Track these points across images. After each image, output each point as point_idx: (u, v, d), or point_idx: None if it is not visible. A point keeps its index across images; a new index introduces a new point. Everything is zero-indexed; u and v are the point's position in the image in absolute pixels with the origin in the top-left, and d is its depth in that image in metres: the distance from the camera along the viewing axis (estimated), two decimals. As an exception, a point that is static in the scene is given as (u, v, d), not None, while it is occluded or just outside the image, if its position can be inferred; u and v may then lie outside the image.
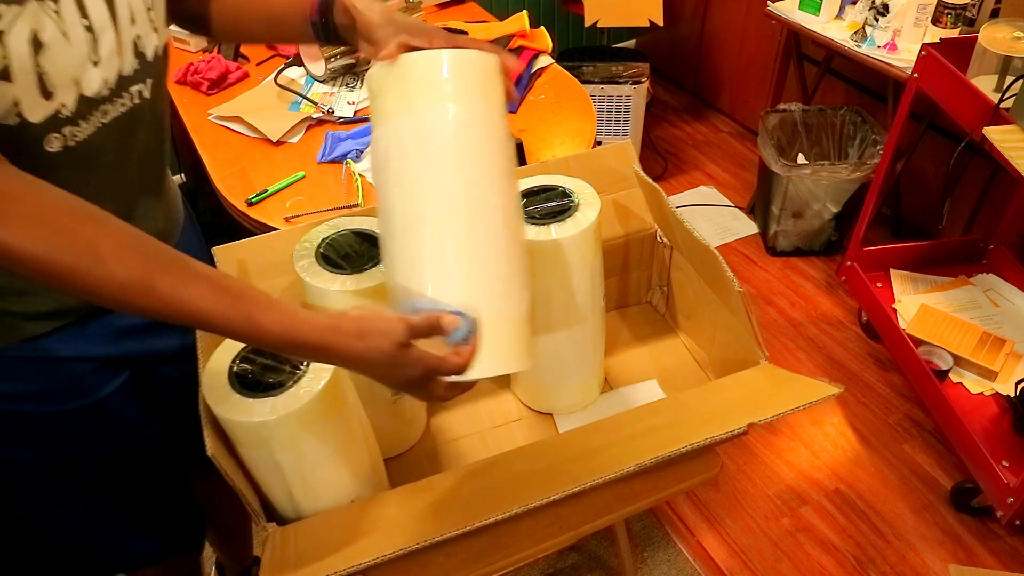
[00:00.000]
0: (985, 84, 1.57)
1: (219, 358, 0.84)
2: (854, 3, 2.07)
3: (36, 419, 0.93)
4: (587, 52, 2.58)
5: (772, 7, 2.21)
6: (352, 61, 1.82)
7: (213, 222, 2.39)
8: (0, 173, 0.63)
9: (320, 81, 1.80)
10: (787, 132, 2.43)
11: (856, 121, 2.35)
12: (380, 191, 0.79)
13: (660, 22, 2.42)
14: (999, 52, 1.54)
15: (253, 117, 1.66)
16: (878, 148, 2.21)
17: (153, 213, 0.97)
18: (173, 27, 1.80)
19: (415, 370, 0.70)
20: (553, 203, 1.05)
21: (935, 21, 1.92)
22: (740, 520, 1.77)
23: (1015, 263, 2.06)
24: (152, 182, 0.99)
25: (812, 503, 1.80)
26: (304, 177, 1.53)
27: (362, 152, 1.56)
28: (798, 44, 2.42)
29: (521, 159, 1.46)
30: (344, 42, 0.90)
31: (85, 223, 0.63)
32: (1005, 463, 1.60)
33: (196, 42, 1.94)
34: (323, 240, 0.99)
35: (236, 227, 1.49)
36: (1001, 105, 1.47)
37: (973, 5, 1.86)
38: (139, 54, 0.83)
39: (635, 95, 2.52)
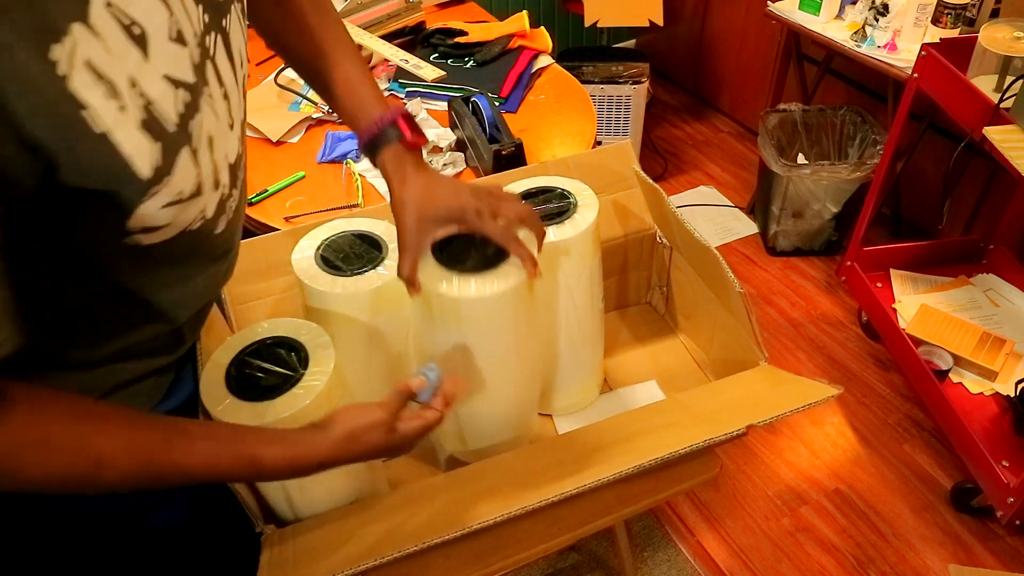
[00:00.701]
0: (985, 84, 1.57)
1: (217, 361, 0.84)
2: (854, 3, 2.06)
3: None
4: (587, 52, 2.58)
5: (772, 7, 2.21)
6: (352, 61, 1.81)
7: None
8: (5, 422, 0.57)
9: (320, 81, 1.80)
10: (787, 132, 2.43)
11: (856, 121, 2.35)
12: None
13: (660, 22, 2.42)
14: (999, 52, 1.54)
15: (253, 117, 1.66)
16: (878, 148, 2.21)
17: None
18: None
19: (407, 444, 0.78)
20: (552, 205, 1.05)
21: (935, 21, 1.91)
22: (740, 520, 1.77)
23: (1015, 263, 2.06)
24: None
25: (812, 503, 1.80)
26: (304, 177, 1.53)
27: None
28: (798, 44, 2.42)
29: (521, 159, 1.46)
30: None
31: (88, 436, 0.61)
32: (1005, 463, 1.60)
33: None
34: (323, 242, 0.99)
35: (236, 227, 1.49)
36: (1001, 105, 1.47)
37: (973, 5, 1.86)
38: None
39: (635, 95, 2.52)
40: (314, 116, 1.68)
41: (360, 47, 0.94)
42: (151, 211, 0.60)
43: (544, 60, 1.87)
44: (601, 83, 2.49)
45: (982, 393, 1.79)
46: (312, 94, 1.75)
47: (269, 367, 0.83)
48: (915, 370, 1.84)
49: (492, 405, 0.98)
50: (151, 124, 0.57)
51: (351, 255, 0.97)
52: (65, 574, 0.85)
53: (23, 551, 0.81)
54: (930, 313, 1.94)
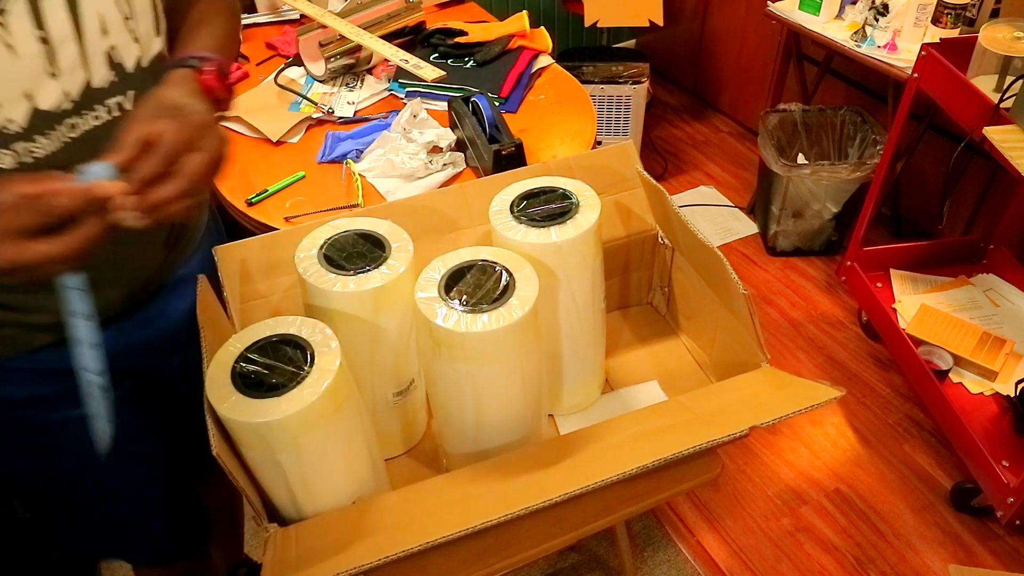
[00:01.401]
0: (985, 84, 1.57)
1: (223, 358, 0.84)
2: (854, 3, 2.07)
3: (38, 426, 0.93)
4: (587, 52, 2.58)
5: (772, 7, 2.21)
6: (352, 61, 1.82)
7: (213, 222, 2.39)
8: None
9: (320, 81, 1.80)
10: (787, 132, 2.43)
11: (856, 121, 2.35)
12: None
13: (660, 22, 2.42)
14: (999, 52, 1.54)
15: (253, 117, 1.66)
16: (878, 148, 2.21)
17: (148, 234, 0.95)
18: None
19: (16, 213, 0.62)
20: (553, 205, 1.05)
21: (935, 21, 1.92)
22: (740, 520, 1.77)
23: (1015, 263, 2.06)
24: None
25: (812, 503, 1.80)
26: (304, 177, 1.53)
27: (362, 152, 1.56)
28: (798, 44, 2.42)
29: (521, 159, 1.46)
30: None
31: None
32: (1005, 463, 1.60)
33: (196, 42, 1.94)
34: (325, 240, 0.99)
35: (236, 227, 1.49)
36: (1001, 105, 1.47)
37: (973, 5, 1.86)
38: (115, 65, 0.80)
39: (635, 95, 2.52)
40: (314, 116, 1.68)
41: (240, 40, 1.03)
42: None
43: (544, 60, 1.87)
44: (601, 83, 2.50)
45: (982, 393, 1.79)
46: (312, 94, 1.75)
47: (274, 364, 0.83)
48: (915, 370, 1.84)
49: (498, 427, 0.98)
50: None
51: (354, 254, 0.97)
52: None
53: None
54: (930, 313, 1.94)
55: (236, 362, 0.84)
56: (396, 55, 1.72)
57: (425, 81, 1.70)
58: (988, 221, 2.11)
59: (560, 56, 2.45)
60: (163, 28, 0.87)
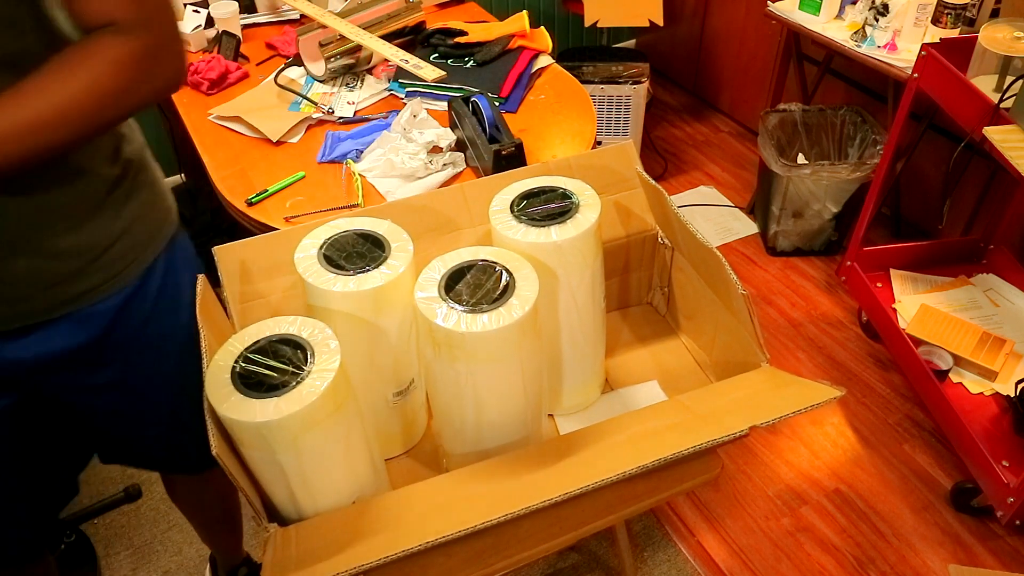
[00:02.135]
0: (985, 84, 1.57)
1: (222, 357, 0.84)
2: (854, 3, 2.07)
3: None
4: (587, 52, 2.58)
5: (772, 7, 2.21)
6: (352, 61, 1.82)
7: (213, 222, 2.39)
8: None
9: (320, 81, 1.80)
10: (787, 132, 2.43)
11: (856, 121, 2.35)
12: None
13: (660, 22, 2.42)
14: (999, 52, 1.54)
15: (253, 117, 1.66)
16: (878, 148, 2.21)
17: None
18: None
19: None
20: (553, 205, 1.05)
21: (935, 21, 1.92)
22: (740, 520, 1.77)
23: (1015, 263, 2.06)
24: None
25: (812, 503, 1.80)
26: (304, 177, 1.53)
27: (362, 152, 1.56)
28: (798, 44, 2.42)
29: (521, 159, 1.46)
30: None
31: None
32: (1005, 463, 1.60)
33: (196, 42, 1.94)
34: (325, 240, 0.99)
35: (236, 227, 1.49)
36: (1001, 105, 1.47)
37: (973, 5, 1.86)
38: None
39: (635, 95, 2.52)
40: (314, 116, 1.68)
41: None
42: None
43: (544, 60, 1.87)
44: (601, 83, 2.50)
45: (982, 393, 1.79)
46: (312, 94, 1.75)
47: (274, 364, 0.83)
48: (915, 370, 1.84)
49: (498, 427, 0.99)
50: None
51: (353, 254, 0.97)
52: None
53: None
54: (930, 313, 1.94)
55: (236, 362, 0.84)
56: (396, 55, 1.72)
57: (425, 81, 1.70)
58: (988, 221, 2.11)
59: (560, 56, 2.45)
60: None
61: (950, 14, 1.88)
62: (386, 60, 1.79)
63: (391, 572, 0.82)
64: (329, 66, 1.78)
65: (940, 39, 1.74)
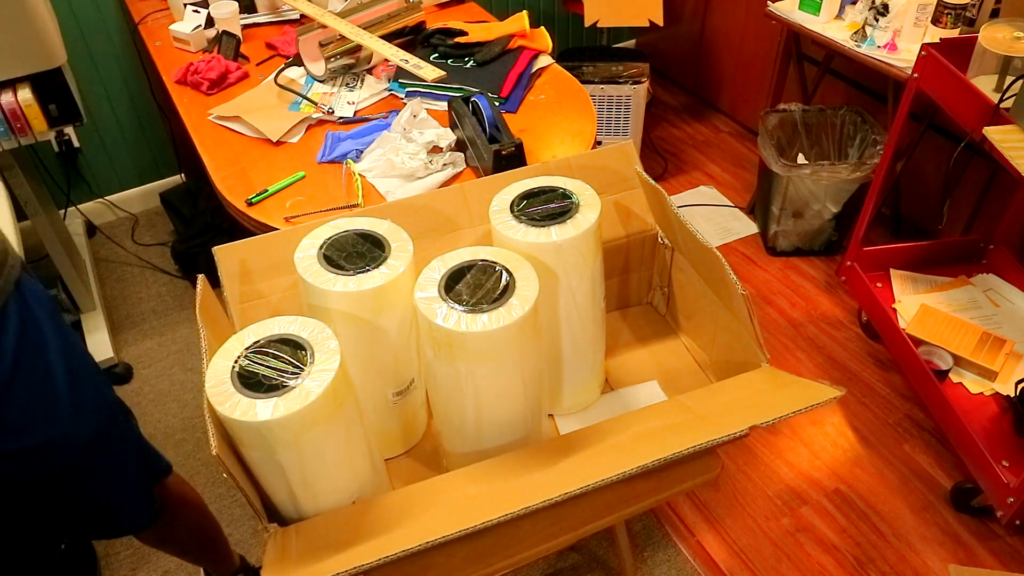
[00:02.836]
0: (985, 84, 1.57)
1: (223, 358, 0.84)
2: (854, 3, 2.07)
3: None
4: (587, 52, 2.58)
5: (772, 7, 2.21)
6: (352, 61, 1.82)
7: (213, 222, 2.39)
8: None
9: (320, 81, 1.80)
10: (787, 132, 2.43)
11: (856, 121, 2.35)
12: None
13: (660, 22, 2.42)
14: (999, 52, 1.54)
15: (253, 117, 1.66)
16: (878, 148, 2.21)
17: None
18: (173, 27, 1.81)
19: None
20: (553, 205, 1.05)
21: (935, 21, 1.92)
22: (740, 520, 1.77)
23: (1015, 263, 2.06)
24: None
25: (812, 503, 1.80)
26: (304, 177, 1.53)
27: (362, 152, 1.56)
28: (798, 44, 2.42)
29: (521, 159, 1.46)
30: None
31: None
32: (1005, 463, 1.60)
33: (196, 42, 1.94)
34: (325, 240, 0.99)
35: (236, 227, 1.49)
36: (1001, 105, 1.47)
37: (973, 5, 1.86)
38: None
39: (635, 95, 2.52)
40: (314, 116, 1.68)
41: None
42: None
43: (544, 60, 1.87)
44: (601, 83, 2.49)
45: (982, 393, 1.79)
46: (312, 94, 1.75)
47: (274, 364, 0.83)
48: (915, 370, 1.84)
49: (498, 427, 0.99)
50: None
51: (353, 254, 0.97)
52: None
53: None
54: (930, 313, 1.94)
55: (236, 362, 0.84)
56: (396, 55, 1.72)
57: (425, 81, 1.70)
58: (988, 221, 2.11)
59: (560, 56, 2.45)
60: None
61: (950, 14, 1.88)
62: (386, 60, 1.79)
63: (391, 572, 0.82)
64: (329, 66, 1.78)
65: (940, 39, 1.74)
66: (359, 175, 1.51)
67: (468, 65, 1.84)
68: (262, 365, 0.83)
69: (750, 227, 2.60)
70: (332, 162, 1.57)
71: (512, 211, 1.04)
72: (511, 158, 1.43)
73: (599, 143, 2.49)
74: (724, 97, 3.10)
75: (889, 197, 2.45)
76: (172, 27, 1.96)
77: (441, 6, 2.15)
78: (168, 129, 2.59)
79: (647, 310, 1.36)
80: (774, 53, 2.69)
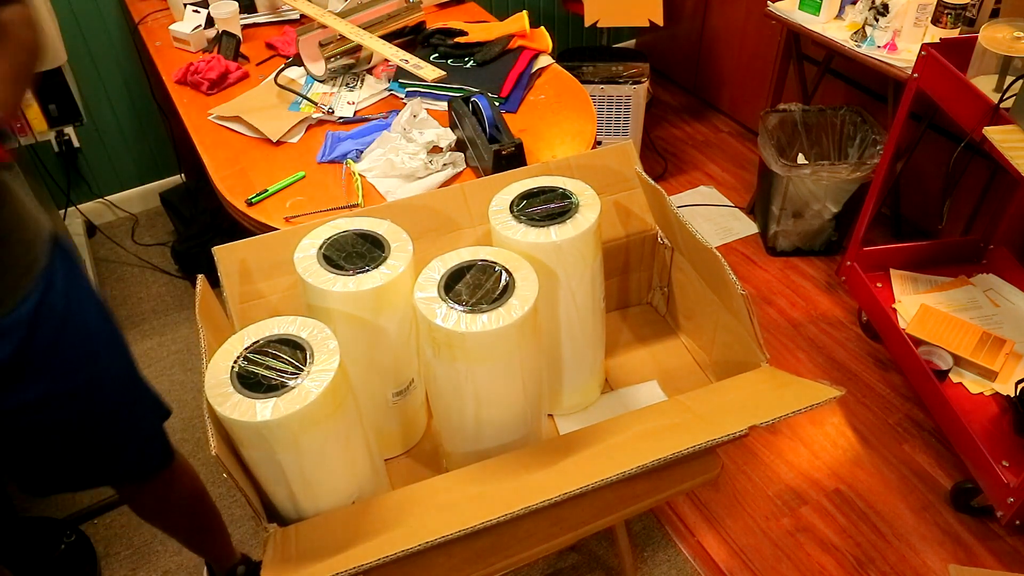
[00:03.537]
0: (985, 84, 1.57)
1: (222, 358, 0.84)
2: (854, 3, 2.07)
3: None
4: (587, 52, 2.58)
5: (772, 7, 2.21)
6: (352, 61, 1.82)
7: (213, 222, 2.39)
8: None
9: (320, 81, 1.80)
10: (787, 132, 2.43)
11: (856, 121, 2.35)
12: None
13: (660, 22, 2.42)
14: (999, 52, 1.54)
15: (253, 117, 1.66)
16: (878, 148, 2.21)
17: None
18: (173, 27, 1.81)
19: None
20: (553, 205, 1.05)
21: (935, 21, 1.92)
22: (740, 520, 1.77)
23: (1015, 263, 2.06)
24: None
25: (812, 503, 1.80)
26: (304, 177, 1.53)
27: (362, 152, 1.56)
28: (798, 44, 2.42)
29: (521, 159, 1.46)
30: None
31: None
32: (1005, 463, 1.60)
33: (196, 42, 1.94)
34: (325, 240, 0.99)
35: (236, 227, 1.49)
36: (1001, 105, 1.47)
37: (973, 5, 1.86)
38: None
39: (635, 95, 2.52)
40: (314, 116, 1.68)
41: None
42: None
43: (544, 60, 1.87)
44: (601, 83, 2.49)
45: (982, 393, 1.79)
46: (312, 94, 1.75)
47: (274, 364, 0.83)
48: (915, 370, 1.84)
49: (498, 427, 0.99)
50: None
51: (353, 254, 0.97)
52: None
53: None
54: (930, 313, 1.94)
55: (236, 362, 0.84)
56: (396, 55, 1.72)
57: (425, 81, 1.70)
58: (988, 221, 2.11)
59: (560, 56, 2.45)
60: None
61: (950, 14, 1.88)
62: (386, 60, 1.79)
63: (391, 572, 0.82)
64: (329, 66, 1.78)
65: (940, 39, 1.74)
66: (359, 175, 1.51)
67: (468, 65, 1.84)
68: (262, 365, 0.83)
69: (750, 227, 2.60)
70: (332, 162, 1.57)
71: (512, 211, 1.04)
72: (511, 158, 1.43)
73: (599, 143, 2.49)
74: (724, 97, 3.10)
75: (889, 197, 2.45)
76: (172, 27, 1.96)
77: (441, 6, 2.15)
78: (168, 129, 2.59)
79: (647, 310, 1.36)
80: (774, 53, 2.69)
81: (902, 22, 1.95)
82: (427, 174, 1.48)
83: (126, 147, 2.59)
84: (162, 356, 2.18)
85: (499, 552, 0.94)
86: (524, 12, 1.98)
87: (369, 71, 1.85)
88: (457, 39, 1.90)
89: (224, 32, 1.91)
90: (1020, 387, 1.72)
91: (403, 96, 1.75)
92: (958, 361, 1.84)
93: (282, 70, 1.81)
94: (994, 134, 1.44)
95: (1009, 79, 1.51)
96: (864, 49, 1.99)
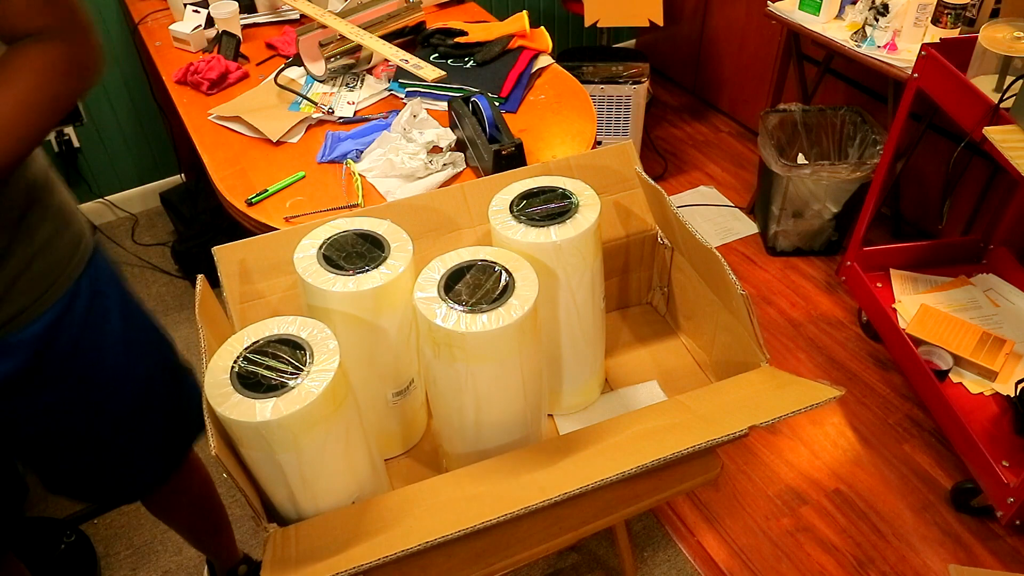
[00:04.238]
0: (985, 84, 1.57)
1: (222, 358, 0.84)
2: (854, 3, 2.07)
3: None
4: (587, 52, 2.58)
5: (772, 7, 2.21)
6: (352, 61, 1.82)
7: (213, 222, 2.40)
8: None
9: (320, 81, 1.80)
10: (787, 132, 2.43)
11: (856, 121, 2.35)
12: None
13: (660, 22, 2.42)
14: (999, 52, 1.54)
15: (253, 117, 1.66)
16: (878, 148, 2.21)
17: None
18: (173, 27, 1.80)
19: None
20: (553, 205, 1.05)
21: (935, 21, 1.92)
22: (740, 520, 1.77)
23: (1015, 263, 2.06)
24: None
25: (812, 503, 1.80)
26: (304, 177, 1.53)
27: (362, 152, 1.56)
28: (798, 44, 2.42)
29: (521, 159, 1.46)
30: None
31: None
32: (1005, 463, 1.60)
33: (196, 42, 1.94)
34: (325, 240, 0.99)
35: (236, 227, 1.49)
36: (1001, 105, 1.47)
37: (973, 5, 1.86)
38: None
39: (635, 95, 2.52)
40: (314, 116, 1.68)
41: None
42: None
43: (544, 60, 1.87)
44: (601, 83, 2.50)
45: (982, 393, 1.79)
46: (312, 94, 1.75)
47: (274, 364, 0.83)
48: (915, 370, 1.84)
49: (498, 427, 0.99)
50: None
51: (353, 254, 0.97)
52: None
53: None
54: (930, 313, 1.94)
55: (235, 362, 0.84)
56: (396, 55, 1.72)
57: (425, 81, 1.70)
58: (988, 221, 2.11)
59: (560, 56, 2.45)
60: None
61: (950, 14, 1.88)
62: (386, 60, 1.79)
63: (391, 572, 0.82)
64: (329, 66, 1.78)
65: (940, 39, 1.74)
66: (359, 175, 1.51)
67: (468, 65, 1.84)
68: (261, 365, 0.83)
69: (750, 227, 2.60)
70: (332, 162, 1.57)
71: (512, 211, 1.04)
72: (511, 158, 1.43)
73: (599, 143, 2.49)
74: (724, 97, 3.10)
75: (889, 197, 2.45)
76: (172, 27, 1.96)
77: (441, 6, 2.15)
78: (168, 129, 2.59)
79: (647, 310, 1.36)
80: (774, 53, 2.69)
81: (902, 22, 1.95)
82: (427, 174, 1.48)
83: (126, 147, 2.59)
84: (162, 356, 2.18)
85: (499, 552, 0.94)
86: (524, 12, 1.98)
87: (369, 71, 1.85)
88: (457, 39, 1.90)
89: (224, 32, 1.91)
90: (1020, 387, 1.72)
91: (403, 96, 1.75)
92: (958, 361, 1.84)
93: (282, 70, 1.81)
94: (994, 134, 1.44)
95: (1009, 79, 1.51)
96: (864, 49, 1.99)
